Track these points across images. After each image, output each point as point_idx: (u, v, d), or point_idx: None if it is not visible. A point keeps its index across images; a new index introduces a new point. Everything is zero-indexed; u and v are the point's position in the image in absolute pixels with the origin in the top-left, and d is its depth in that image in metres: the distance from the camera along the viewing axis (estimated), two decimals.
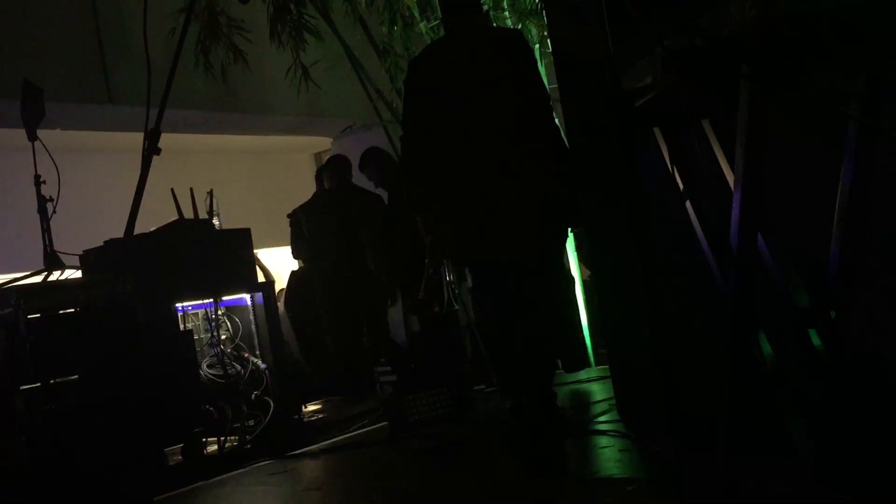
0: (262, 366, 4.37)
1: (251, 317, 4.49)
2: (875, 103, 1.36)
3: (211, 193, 4.53)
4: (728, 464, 1.57)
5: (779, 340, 1.58)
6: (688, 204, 1.73)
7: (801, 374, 1.55)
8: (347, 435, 4.25)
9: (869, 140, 1.40)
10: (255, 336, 4.47)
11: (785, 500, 1.85)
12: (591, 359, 5.36)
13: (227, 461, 3.81)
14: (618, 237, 2.94)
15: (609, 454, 2.88)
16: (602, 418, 3.47)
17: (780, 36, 1.30)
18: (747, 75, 1.33)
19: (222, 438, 4.00)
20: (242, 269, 4.44)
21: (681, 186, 1.74)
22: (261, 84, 6.91)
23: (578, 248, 5.32)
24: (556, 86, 4.72)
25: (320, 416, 4.81)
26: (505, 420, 3.85)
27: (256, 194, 8.78)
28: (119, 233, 3.74)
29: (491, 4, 5.19)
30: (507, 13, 5.27)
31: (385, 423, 4.09)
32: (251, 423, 4.19)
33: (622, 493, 2.39)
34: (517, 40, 3.54)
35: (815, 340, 1.50)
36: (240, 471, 3.69)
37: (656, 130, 1.81)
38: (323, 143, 9.23)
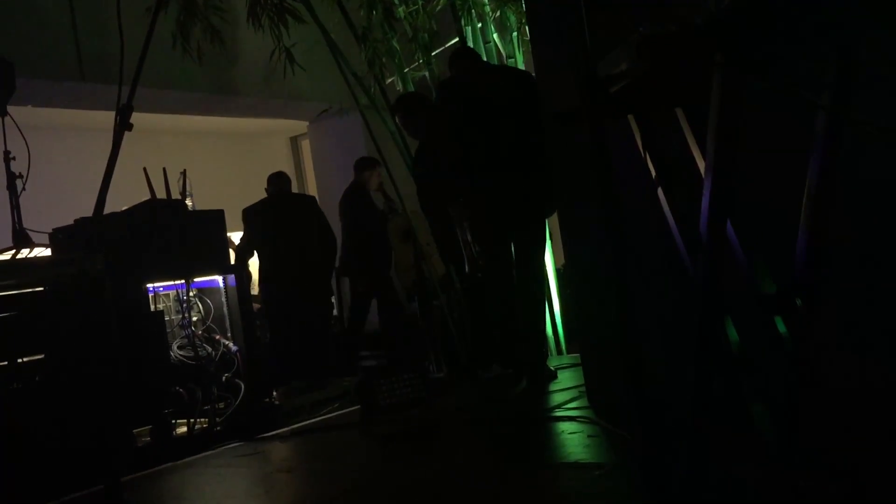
0: (234, 348, 4.36)
1: (223, 299, 4.47)
2: (845, 93, 1.38)
3: (184, 174, 4.49)
4: (694, 450, 1.59)
5: (745, 327, 1.61)
6: (659, 191, 1.75)
7: (765, 361, 1.58)
8: (318, 418, 4.25)
9: (838, 129, 1.42)
10: (227, 318, 4.45)
11: (747, 484, 1.88)
12: (563, 347, 5.40)
13: (197, 443, 3.80)
14: (590, 225, 2.96)
15: (578, 440, 2.91)
16: (572, 405, 3.50)
17: (752, 24, 1.32)
18: (720, 63, 1.34)
19: (192, 420, 3.99)
20: (215, 251, 4.42)
21: (653, 174, 1.75)
22: (237, 66, 6.86)
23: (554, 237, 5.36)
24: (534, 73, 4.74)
25: (291, 398, 4.80)
26: (471, 405, 3.89)
27: (231, 177, 8.72)
28: (88, 211, 3.70)
29: None
30: (486, 1, 5.26)
31: (356, 406, 4.10)
32: (221, 405, 4.18)
33: (589, 478, 2.42)
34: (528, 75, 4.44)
35: (781, 327, 1.53)
36: (209, 452, 3.68)
37: (630, 118, 1.83)
38: (299, 127, 9.17)
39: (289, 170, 10.22)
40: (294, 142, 10.25)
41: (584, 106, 1.60)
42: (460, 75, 4.41)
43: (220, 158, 8.97)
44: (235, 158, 9.20)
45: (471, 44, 5.39)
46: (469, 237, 4.36)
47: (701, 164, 1.75)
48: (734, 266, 1.66)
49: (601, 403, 3.28)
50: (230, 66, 6.76)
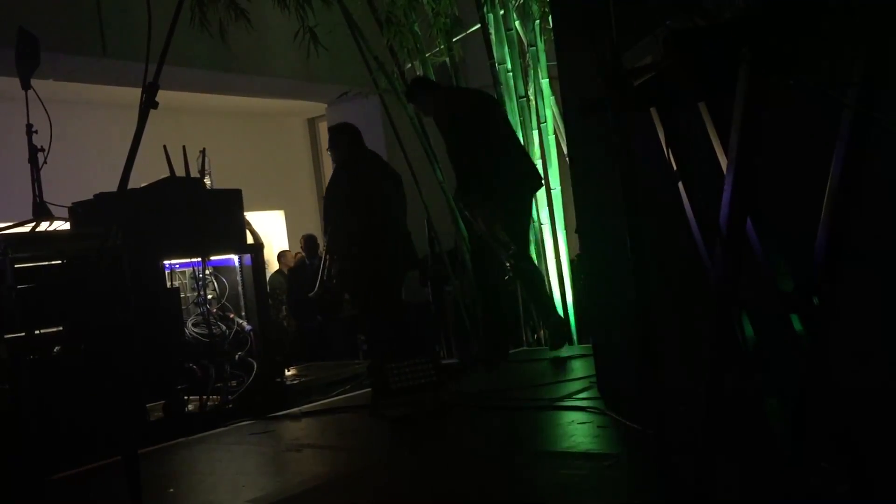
0: (248, 327, 4.39)
1: (238, 278, 4.50)
2: (870, 92, 1.38)
3: (203, 153, 4.51)
4: (706, 443, 1.60)
5: (761, 324, 1.61)
6: (680, 185, 1.75)
7: (780, 358, 1.58)
8: (329, 399, 4.29)
9: (862, 129, 1.42)
10: (242, 297, 4.48)
11: (757, 481, 1.89)
12: (574, 336, 5.42)
13: (209, 420, 3.84)
14: (608, 216, 2.96)
15: (588, 430, 2.92)
16: (583, 395, 3.51)
17: (780, 22, 1.31)
18: (746, 59, 1.34)
19: (204, 397, 4.03)
20: (232, 230, 4.44)
21: (674, 167, 1.75)
22: (258, 45, 6.87)
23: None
24: (554, 63, 4.73)
25: (303, 379, 4.83)
26: (484, 392, 3.90)
27: (249, 156, 8.75)
28: (108, 187, 3.73)
29: None
30: None
31: (367, 389, 4.12)
32: (234, 383, 4.22)
33: (599, 468, 2.43)
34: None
35: (797, 325, 1.53)
36: (220, 429, 3.72)
37: (653, 111, 1.82)
38: (317, 109, 9.19)
39: (305, 151, 10.26)
40: (311, 123, 10.27)
41: (608, 97, 1.60)
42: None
43: (237, 138, 9.00)
44: (253, 138, 9.22)
45: (492, 31, 5.38)
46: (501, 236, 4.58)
47: (722, 160, 1.75)
48: (752, 262, 1.67)
49: (612, 394, 3.29)
50: (252, 46, 6.77)
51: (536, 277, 4.83)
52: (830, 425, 1.56)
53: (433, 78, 5.69)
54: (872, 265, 2.12)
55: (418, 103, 4.96)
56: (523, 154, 4.83)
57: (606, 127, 1.76)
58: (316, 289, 5.15)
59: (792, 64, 1.40)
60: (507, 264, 4.59)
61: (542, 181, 4.91)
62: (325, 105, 8.76)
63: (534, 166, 4.95)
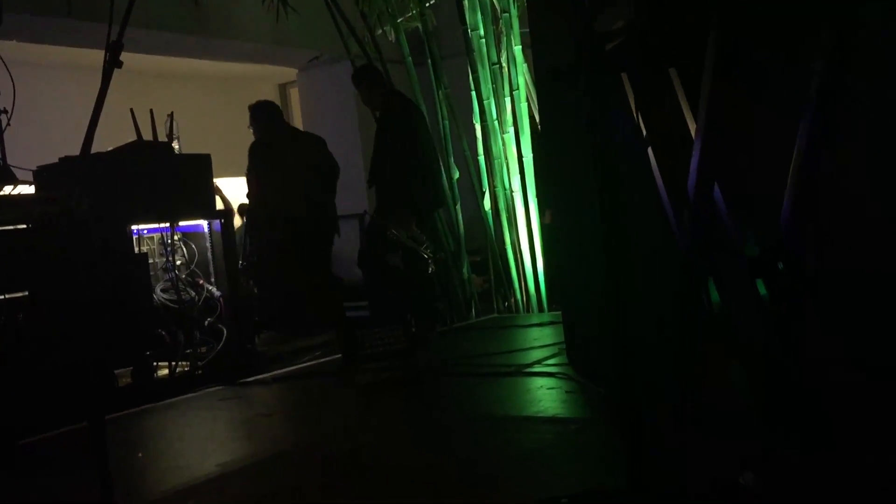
0: (217, 293, 4.36)
1: (208, 244, 4.46)
2: (839, 61, 1.38)
3: (171, 116, 4.44)
4: (673, 406, 1.63)
5: (727, 288, 1.63)
6: (649, 151, 1.75)
7: (745, 322, 1.61)
8: (300, 365, 4.29)
9: (829, 96, 1.43)
10: (211, 263, 4.45)
11: (718, 443, 1.93)
12: (545, 304, 5.45)
13: (178, 386, 3.82)
14: (579, 184, 2.97)
15: (555, 395, 2.96)
16: (551, 361, 3.54)
17: None
18: (716, 25, 1.34)
19: (174, 363, 4.01)
20: (201, 196, 4.40)
21: (644, 133, 1.76)
22: (228, 8, 6.74)
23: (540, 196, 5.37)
24: (527, 30, 4.70)
25: (274, 345, 4.82)
26: (454, 359, 3.93)
27: (219, 122, 8.62)
28: (73, 151, 3.66)
29: None
30: None
31: (338, 355, 4.13)
32: (203, 349, 4.20)
33: (565, 432, 2.46)
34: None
35: (762, 290, 1.55)
36: (190, 395, 3.71)
37: (624, 76, 1.82)
38: (288, 74, 9.06)
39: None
40: (283, 89, 10.14)
41: (579, 60, 1.60)
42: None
43: (207, 103, 8.86)
44: (223, 103, 9.08)
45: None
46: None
47: (692, 126, 1.76)
48: (719, 228, 1.68)
49: (579, 361, 3.32)
50: (221, 8, 6.65)
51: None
52: (795, 387, 1.59)
53: (405, 46, 5.64)
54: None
55: (361, 91, 5.12)
56: (438, 170, 5.20)
57: (578, 93, 1.75)
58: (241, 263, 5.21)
59: (761, 31, 1.41)
60: (427, 257, 4.90)
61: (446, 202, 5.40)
62: (297, 70, 8.64)
63: (442, 185, 5.28)
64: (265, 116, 5.27)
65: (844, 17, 1.40)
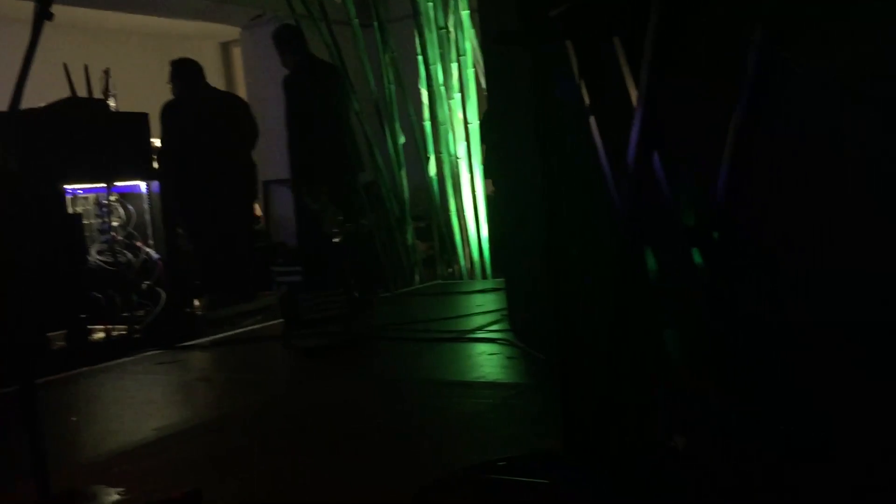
0: (155, 256, 4.28)
1: (146, 205, 4.36)
2: (778, 36, 1.41)
3: (107, 73, 4.30)
4: (610, 370, 1.66)
5: (663, 256, 1.66)
6: (591, 120, 1.76)
7: (680, 290, 1.64)
8: (240, 330, 4.25)
9: (767, 69, 1.45)
10: (150, 226, 4.36)
11: (655, 413, 1.97)
12: (489, 271, 5.49)
13: (114, 349, 3.76)
14: (523, 151, 2.98)
15: (497, 361, 2.99)
16: (493, 327, 3.57)
17: None
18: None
19: (109, 326, 3.93)
20: (138, 156, 4.29)
21: (587, 102, 1.77)
22: None
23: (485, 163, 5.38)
24: None
25: (213, 309, 4.77)
26: (396, 324, 3.93)
27: (158, 80, 8.40)
28: (3, 107, 3.53)
29: None
30: None
31: (280, 320, 4.10)
32: (141, 312, 4.13)
33: (505, 397, 2.50)
34: None
35: (697, 258, 1.58)
36: (127, 359, 3.65)
37: (568, 44, 1.82)
38: (231, 33, 8.86)
39: (219, 77, 9.91)
40: (225, 48, 9.92)
41: (524, 28, 1.59)
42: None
43: (145, 60, 8.61)
44: (162, 61, 8.85)
45: None
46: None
47: (634, 95, 1.77)
48: (658, 198, 1.70)
49: (521, 327, 3.36)
50: None
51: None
52: (729, 351, 1.63)
53: (352, 7, 5.55)
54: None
55: (280, 53, 5.23)
56: (351, 140, 5.31)
57: (524, 59, 1.75)
58: None
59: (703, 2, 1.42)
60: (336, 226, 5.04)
61: (362, 169, 5.47)
62: (239, 29, 8.45)
63: (355, 155, 5.39)
64: (187, 74, 5.35)
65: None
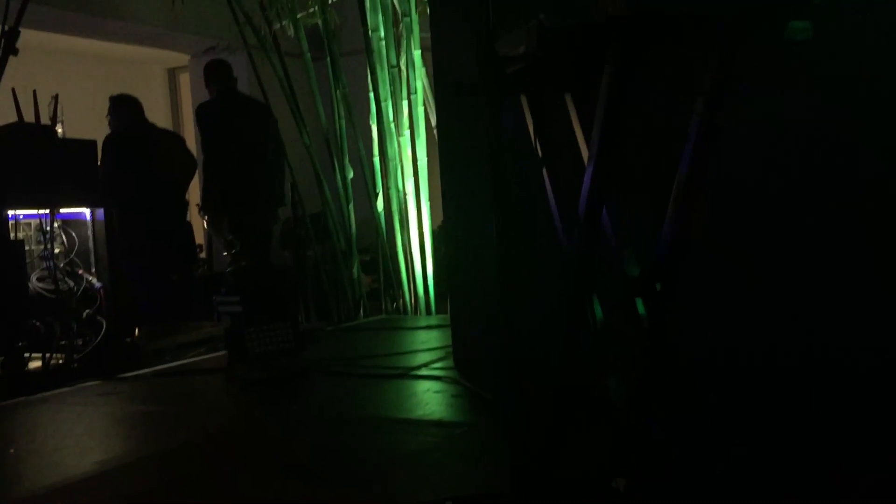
0: (97, 284, 4.22)
1: (90, 232, 4.31)
2: (718, 98, 1.51)
3: (56, 99, 4.27)
4: (556, 411, 1.72)
5: (609, 306, 1.74)
6: (544, 171, 1.84)
7: (624, 338, 1.72)
8: (183, 361, 4.20)
9: (709, 131, 1.55)
10: (93, 253, 4.30)
11: (598, 446, 2.04)
12: (433, 307, 5.54)
13: (53, 379, 3.69)
14: (473, 190, 3.06)
15: (442, 399, 3.02)
16: (438, 364, 3.62)
17: (644, 28, 1.42)
18: (611, 60, 1.44)
19: (48, 355, 3.86)
20: (84, 182, 4.25)
21: (540, 154, 1.85)
22: None
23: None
24: (427, 34, 4.77)
25: (158, 339, 4.71)
26: (342, 359, 3.94)
27: (101, 103, 8.31)
28: None
29: None
30: None
31: (223, 352, 4.08)
32: (80, 341, 4.06)
33: (450, 435, 2.53)
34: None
35: (641, 309, 1.66)
36: (65, 389, 3.58)
37: (522, 97, 1.91)
38: (179, 59, 8.83)
39: (164, 102, 9.84)
40: (172, 73, 9.86)
41: (482, 81, 1.66)
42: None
43: (90, 83, 8.51)
44: (107, 84, 8.74)
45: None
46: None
47: (583, 147, 1.86)
48: (605, 247, 1.79)
49: (467, 364, 3.41)
50: None
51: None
52: (671, 400, 1.71)
53: (304, 42, 5.61)
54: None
55: (206, 85, 5.50)
56: (275, 176, 5.48)
57: (478, 108, 1.82)
58: None
59: (652, 67, 1.51)
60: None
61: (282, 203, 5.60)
62: (189, 57, 8.43)
63: (280, 191, 5.57)
64: (126, 110, 5.55)
65: (727, 55, 1.52)
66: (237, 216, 5.19)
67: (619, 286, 1.71)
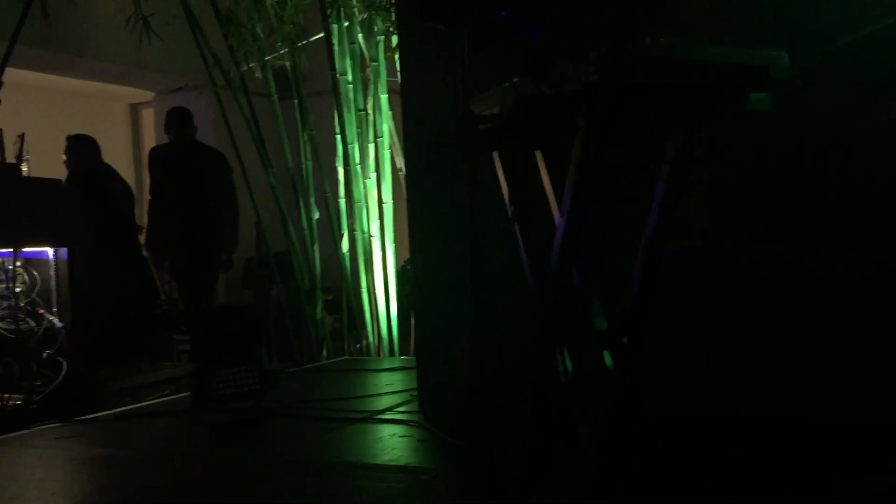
0: (59, 324, 4.17)
1: (52, 272, 4.27)
2: (681, 165, 1.60)
3: (22, 138, 4.25)
4: (527, 460, 1.76)
5: (578, 358, 1.80)
6: (516, 226, 1.91)
7: (593, 390, 1.77)
8: (146, 403, 4.16)
9: (672, 194, 1.64)
10: (55, 293, 4.26)
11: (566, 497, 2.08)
12: (396, 349, 5.56)
13: (11, 421, 3.62)
14: (441, 233, 3.11)
15: (408, 443, 3.03)
16: (402, 408, 3.63)
17: (614, 98, 1.50)
18: (583, 127, 1.52)
19: (6, 396, 3.80)
20: (48, 222, 4.22)
21: (511, 209, 1.92)
22: (84, 25, 6.52)
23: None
24: (394, 78, 4.86)
25: (119, 380, 4.65)
26: (307, 402, 3.93)
27: (59, 137, 8.25)
28: None
29: None
30: (355, 3, 5.31)
31: (187, 394, 4.04)
32: (40, 383, 4.00)
33: (417, 482, 2.54)
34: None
35: (608, 361, 1.73)
36: (24, 431, 3.52)
37: (495, 154, 1.98)
38: (141, 94, 8.82)
39: (126, 137, 9.80)
40: (134, 109, 9.83)
41: (461, 139, 1.73)
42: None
43: (48, 117, 8.44)
44: (70, 120, 8.68)
45: (335, 42, 5.43)
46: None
47: (552, 201, 1.93)
48: (573, 301, 1.85)
49: (433, 408, 3.42)
50: (76, 25, 6.42)
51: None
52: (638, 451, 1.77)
53: (272, 84, 5.67)
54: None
55: (165, 130, 5.68)
56: (225, 223, 5.65)
57: (445, 155, 1.89)
58: None
59: (621, 136, 1.60)
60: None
61: (236, 248, 5.82)
62: (153, 93, 8.43)
63: (234, 237, 5.78)
64: (84, 150, 5.68)
65: (692, 125, 1.61)
66: (178, 258, 5.40)
67: (588, 340, 1.78)
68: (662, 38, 1.42)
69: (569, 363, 1.79)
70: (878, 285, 2.05)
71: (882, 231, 2.05)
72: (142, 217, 6.14)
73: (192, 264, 5.47)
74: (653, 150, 1.63)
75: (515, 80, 1.69)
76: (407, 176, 3.85)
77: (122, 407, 4.01)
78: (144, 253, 5.77)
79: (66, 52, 6.59)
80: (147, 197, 5.66)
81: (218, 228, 5.61)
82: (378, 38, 5.47)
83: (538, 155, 1.98)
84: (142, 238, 5.95)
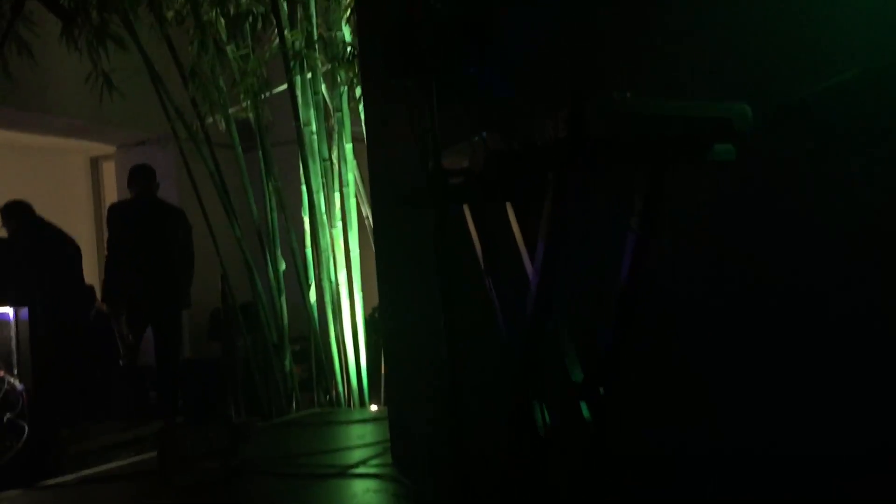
0: (20, 387, 4.07)
1: (12, 333, 4.17)
2: (650, 217, 1.62)
3: None
4: None
5: (553, 410, 1.79)
6: (488, 280, 1.91)
7: (569, 441, 1.77)
8: (111, 465, 4.05)
9: (643, 245, 1.65)
10: (15, 354, 4.16)
11: None
12: (367, 398, 5.50)
13: None
14: (411, 282, 3.10)
15: (382, 499, 2.99)
16: (375, 461, 3.57)
17: (582, 152, 1.52)
18: (552, 181, 1.53)
19: None
20: (6, 282, 4.13)
21: (483, 263, 1.92)
22: (44, 82, 6.48)
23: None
24: (358, 127, 4.88)
25: (83, 441, 4.54)
26: (277, 457, 3.86)
27: (23, 194, 8.14)
28: None
29: (303, 45, 5.26)
30: (318, 55, 5.36)
31: (153, 454, 3.94)
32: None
33: None
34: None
35: (585, 412, 1.72)
36: None
37: (465, 207, 1.99)
38: (101, 148, 8.76)
39: (86, 192, 9.70)
40: (94, 163, 9.74)
41: (431, 195, 1.73)
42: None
43: (11, 173, 8.34)
44: (25, 174, 8.57)
45: (299, 93, 5.45)
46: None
47: (524, 251, 1.94)
48: (547, 352, 1.85)
49: (407, 461, 3.38)
50: (36, 81, 6.37)
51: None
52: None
53: (235, 136, 5.67)
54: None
55: (128, 186, 5.95)
56: (178, 279, 5.84)
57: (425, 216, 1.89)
58: None
59: (590, 190, 1.62)
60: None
61: (188, 304, 6.03)
62: (114, 147, 8.37)
63: (186, 295, 5.97)
64: (19, 214, 5.65)
65: (656, 177, 1.64)
66: (134, 313, 5.52)
67: (563, 391, 1.78)
68: (629, 93, 1.45)
69: (546, 417, 1.79)
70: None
71: None
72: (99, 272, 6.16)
73: (148, 321, 5.65)
74: (622, 200, 1.65)
75: (483, 134, 1.71)
76: (374, 227, 3.84)
77: (86, 469, 3.91)
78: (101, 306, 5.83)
79: (27, 109, 6.53)
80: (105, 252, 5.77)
81: (173, 286, 5.76)
82: (342, 87, 5.51)
83: (509, 208, 1.99)
84: (98, 293, 5.99)
